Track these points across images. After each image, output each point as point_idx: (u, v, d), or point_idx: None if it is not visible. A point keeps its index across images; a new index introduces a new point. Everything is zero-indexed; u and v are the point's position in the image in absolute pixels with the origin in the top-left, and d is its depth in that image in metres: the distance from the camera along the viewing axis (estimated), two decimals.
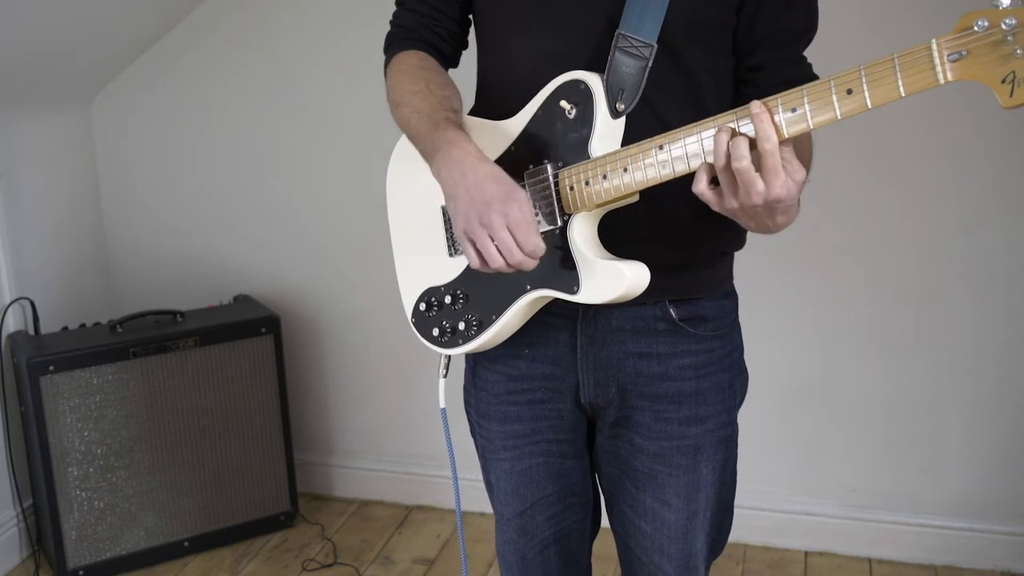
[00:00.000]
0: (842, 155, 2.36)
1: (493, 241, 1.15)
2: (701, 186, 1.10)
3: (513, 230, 1.14)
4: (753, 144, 1.05)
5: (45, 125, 2.85)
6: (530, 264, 1.17)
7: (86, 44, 2.71)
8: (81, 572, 2.56)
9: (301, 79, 2.82)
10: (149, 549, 2.65)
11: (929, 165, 2.39)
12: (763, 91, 1.27)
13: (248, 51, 2.85)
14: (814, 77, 1.30)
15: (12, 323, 2.68)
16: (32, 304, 2.69)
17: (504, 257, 1.16)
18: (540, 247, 1.16)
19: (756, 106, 1.05)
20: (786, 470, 2.64)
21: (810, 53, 1.33)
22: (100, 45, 2.78)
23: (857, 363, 2.55)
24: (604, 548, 1.58)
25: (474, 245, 1.17)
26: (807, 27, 1.30)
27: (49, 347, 2.54)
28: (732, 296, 1.41)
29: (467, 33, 1.45)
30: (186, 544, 2.69)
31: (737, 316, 1.42)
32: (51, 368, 2.47)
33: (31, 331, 2.69)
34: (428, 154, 1.26)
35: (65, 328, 2.72)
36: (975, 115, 2.29)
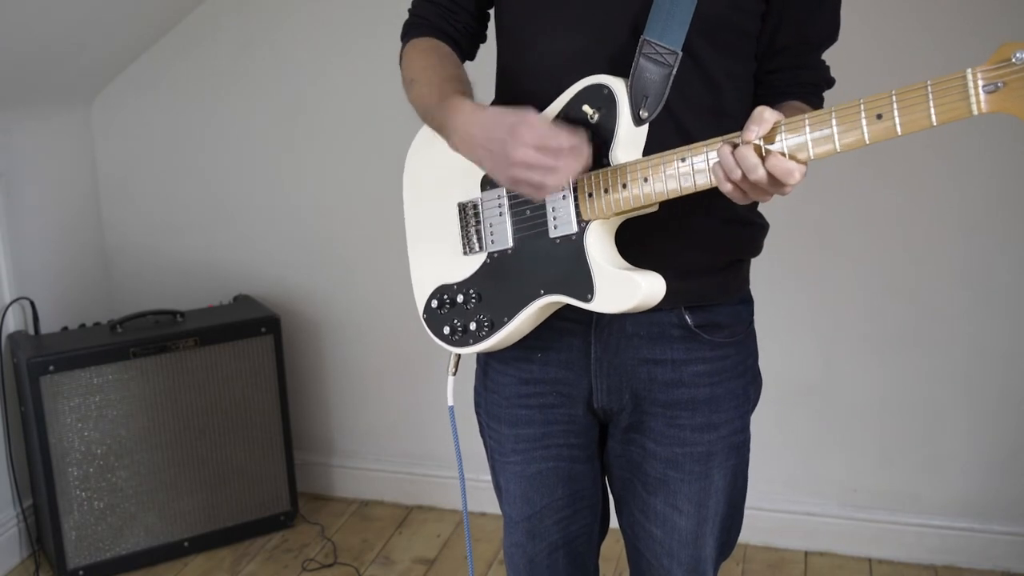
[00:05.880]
0: (842, 155, 2.35)
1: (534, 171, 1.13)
2: (728, 187, 1.09)
3: (539, 148, 1.12)
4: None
5: (45, 125, 2.84)
6: (577, 168, 1.14)
7: (87, 44, 2.70)
8: (81, 572, 2.56)
9: (301, 79, 2.82)
10: (149, 549, 2.64)
11: (929, 165, 2.39)
12: (779, 93, 1.26)
13: (249, 51, 2.85)
14: (831, 80, 1.31)
15: (12, 323, 2.68)
16: (32, 304, 2.68)
17: (551, 178, 1.13)
18: (573, 144, 1.13)
19: (751, 134, 1.03)
20: (786, 470, 2.65)
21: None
22: (100, 45, 2.77)
23: (857, 363, 2.55)
24: (606, 548, 1.58)
25: (525, 185, 1.15)
26: (829, 36, 1.30)
27: (49, 347, 2.53)
28: (748, 302, 1.40)
29: (485, 27, 1.44)
30: (186, 544, 2.69)
31: (752, 322, 1.40)
32: (51, 368, 2.46)
33: (31, 331, 2.69)
34: (441, 128, 1.25)
35: (65, 328, 2.71)
36: (975, 116, 2.28)
